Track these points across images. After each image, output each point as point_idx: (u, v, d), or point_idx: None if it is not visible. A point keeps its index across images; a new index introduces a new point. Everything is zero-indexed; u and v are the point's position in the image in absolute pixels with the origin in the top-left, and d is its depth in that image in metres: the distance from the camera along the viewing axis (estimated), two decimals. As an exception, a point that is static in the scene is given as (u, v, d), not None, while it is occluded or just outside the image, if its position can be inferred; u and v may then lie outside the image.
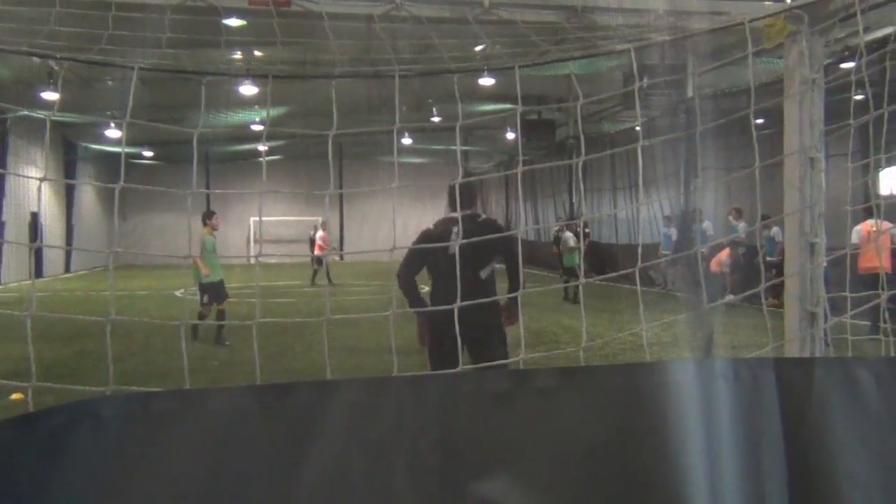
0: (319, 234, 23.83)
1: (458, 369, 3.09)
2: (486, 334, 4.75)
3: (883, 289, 3.25)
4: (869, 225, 9.58)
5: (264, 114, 21.23)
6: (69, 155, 29.79)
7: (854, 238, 9.04)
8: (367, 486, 1.78)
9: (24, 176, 26.79)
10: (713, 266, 15.95)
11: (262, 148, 27.22)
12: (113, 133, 25.31)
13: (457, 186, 4.63)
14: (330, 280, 22.08)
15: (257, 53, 9.82)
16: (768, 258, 14.23)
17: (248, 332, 2.81)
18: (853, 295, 3.39)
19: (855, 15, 3.41)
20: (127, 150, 26.72)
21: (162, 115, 20.00)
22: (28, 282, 23.09)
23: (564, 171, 28.18)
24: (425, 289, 5.05)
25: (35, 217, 24.94)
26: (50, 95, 16.99)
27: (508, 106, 19.92)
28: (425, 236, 5.11)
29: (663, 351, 9.02)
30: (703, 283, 3.12)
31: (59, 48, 3.69)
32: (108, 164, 32.12)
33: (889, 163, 3.64)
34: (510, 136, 27.78)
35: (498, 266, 4.92)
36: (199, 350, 10.40)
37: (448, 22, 3.61)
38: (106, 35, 3.60)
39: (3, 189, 23.09)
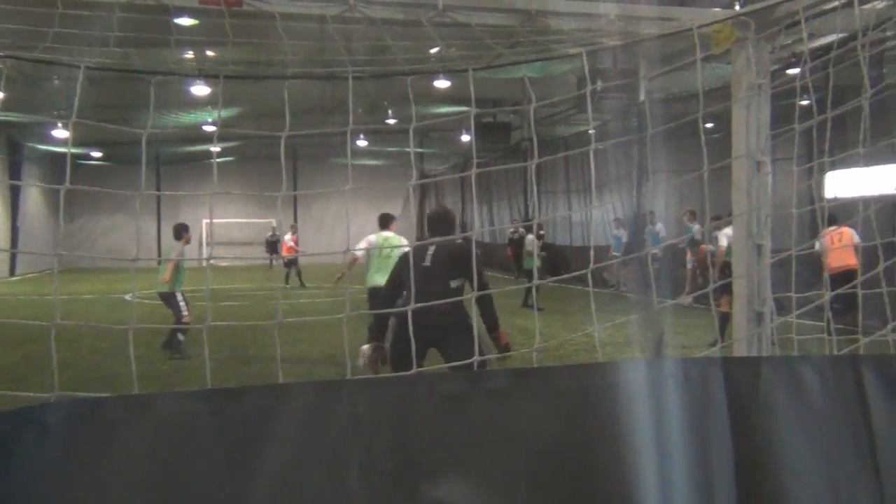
0: (288, 236, 23.87)
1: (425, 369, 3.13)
2: (453, 333, 5.04)
3: (827, 288, 3.34)
4: (830, 232, 9.84)
5: (216, 114, 20.97)
6: (14, 155, 29.04)
7: (817, 247, 9.26)
8: (320, 490, 1.77)
9: (-35, 177, 26.01)
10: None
11: (213, 149, 26.88)
12: (60, 133, 24.74)
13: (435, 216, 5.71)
14: (301, 282, 22.06)
15: (209, 53, 9.68)
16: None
17: (200, 336, 2.77)
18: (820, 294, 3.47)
19: (800, 22, 3.50)
20: (74, 150, 26.14)
21: (111, 115, 19.58)
22: (-30, 286, 22.41)
23: (520, 174, 28.37)
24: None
25: (-22, 219, 24.21)
26: (-7, 94, 16.52)
27: (463, 108, 19.99)
28: (405, 257, 5.74)
29: (616, 351, 9.14)
30: (653, 284, 3.17)
31: (2, 45, 3.59)
32: (55, 165, 31.34)
33: (833, 166, 3.74)
34: (465, 138, 27.87)
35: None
36: (149, 355, 10.21)
37: (402, 24, 3.61)
38: (52, 32, 3.52)
39: (-56, 190, 22.38)
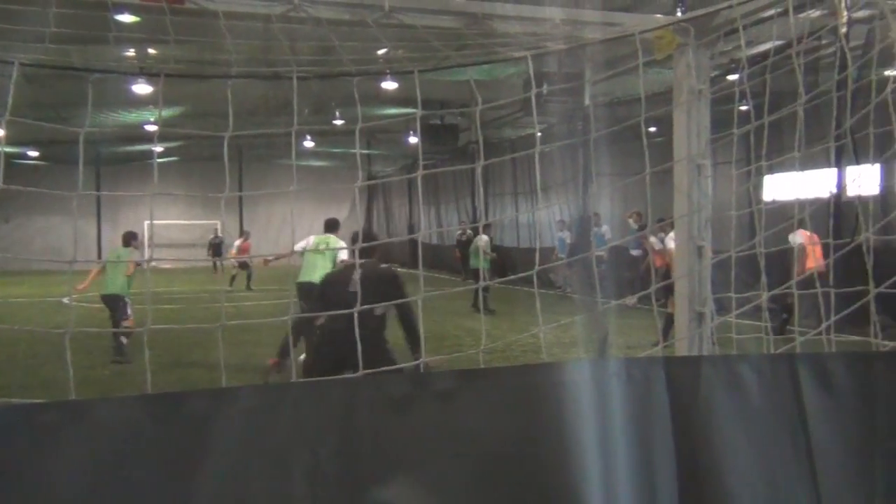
0: (238, 242, 24.02)
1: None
2: (370, 359, 5.18)
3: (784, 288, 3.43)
4: (806, 232, 10.09)
5: (158, 113, 20.55)
6: (-56, 154, 27.98)
7: (798, 240, 9.48)
8: (265, 496, 1.74)
9: None
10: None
11: (155, 149, 26.34)
12: (-6, 131, 23.92)
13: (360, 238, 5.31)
14: (248, 286, 21.93)
15: (151, 51, 9.48)
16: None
17: (141, 341, 2.70)
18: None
19: (738, 30, 3.59)
20: (9, 149, 25.29)
21: (48, 113, 19.04)
22: None
23: (467, 176, 28.46)
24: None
25: None
26: (-79, 90, 15.90)
27: (411, 110, 19.97)
28: (328, 279, 5.85)
29: (562, 352, 9.24)
30: (598, 285, 3.21)
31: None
32: (-11, 164, 30.30)
33: (770, 170, 3.85)
34: (413, 140, 27.85)
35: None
36: (88, 360, 9.95)
37: (348, 24, 3.59)
38: (-17, 28, 3.41)
39: None
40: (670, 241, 10.99)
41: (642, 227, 14.01)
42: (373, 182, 36.11)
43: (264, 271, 21.73)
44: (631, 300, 7.95)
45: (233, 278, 22.74)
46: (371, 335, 5.16)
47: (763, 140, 3.45)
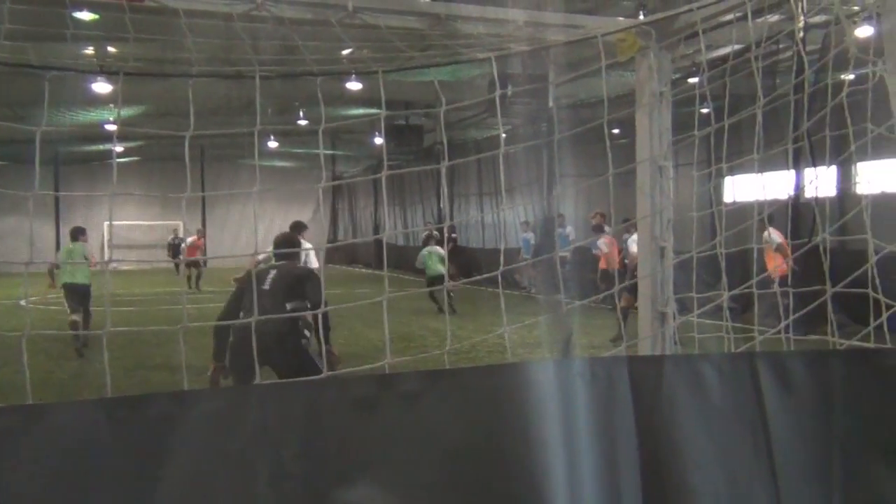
0: (191, 239, 23.52)
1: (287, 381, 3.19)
2: (285, 352, 5.42)
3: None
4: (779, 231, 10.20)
5: (117, 113, 20.23)
6: None
7: (777, 238, 9.57)
8: (228, 499, 1.72)
9: None
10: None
11: (115, 149, 25.92)
12: (-54, 130, 23.36)
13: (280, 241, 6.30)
14: (197, 286, 21.61)
15: (111, 49, 9.34)
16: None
17: (100, 343, 2.66)
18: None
19: (698, 33, 3.64)
20: (-37, 148, 24.72)
21: (4, 112, 18.64)
22: None
23: (432, 176, 28.47)
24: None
25: None
26: None
27: (375, 111, 19.92)
28: (242, 281, 6.10)
29: (527, 352, 9.29)
30: (561, 285, 3.23)
31: None
32: (-59, 164, 29.59)
33: (730, 172, 3.90)
34: (378, 140, 27.77)
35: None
36: (45, 363, 9.76)
37: (311, 24, 3.56)
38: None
39: None
40: (633, 244, 11.09)
41: (597, 228, 14.13)
42: (337, 182, 35.93)
43: (215, 272, 21.53)
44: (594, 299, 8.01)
45: (189, 278, 22.43)
46: (284, 330, 5.48)
47: (723, 142, 3.50)
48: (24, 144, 25.91)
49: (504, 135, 18.81)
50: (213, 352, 5.76)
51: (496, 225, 25.02)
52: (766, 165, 3.46)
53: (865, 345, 2.57)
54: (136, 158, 30.85)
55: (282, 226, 9.11)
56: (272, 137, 26.75)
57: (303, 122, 22.98)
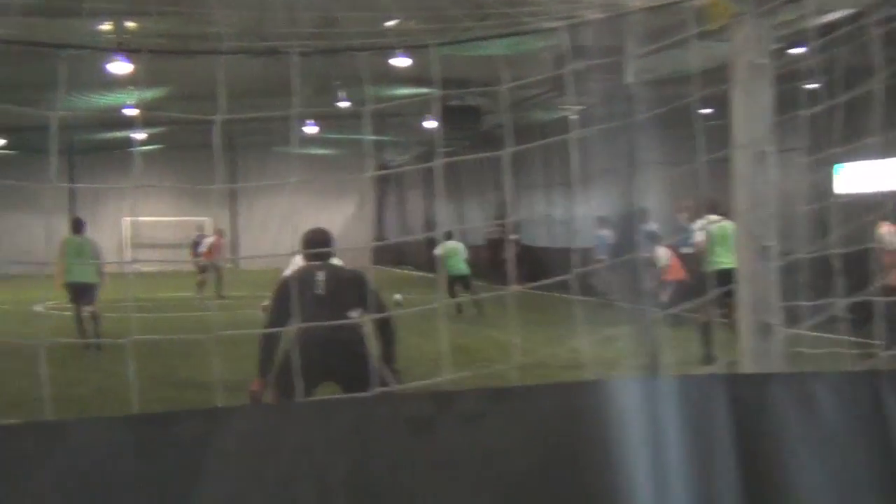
0: (209, 240, 23.58)
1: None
2: (350, 365, 5.32)
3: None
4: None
5: (139, 95, 20.70)
6: None
7: (884, 237, 9.35)
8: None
9: None
10: None
11: (137, 136, 26.55)
12: (-46, 117, 24.24)
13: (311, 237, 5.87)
14: (219, 292, 21.74)
15: (129, 24, 9.57)
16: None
17: (121, 352, 2.72)
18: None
19: (805, -5, 3.57)
20: (-29, 137, 25.64)
21: (15, 96, 19.23)
22: None
23: (492, 165, 28.44)
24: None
25: None
26: None
27: (426, 90, 19.99)
28: (285, 284, 5.80)
29: (606, 368, 9.20)
30: (647, 291, 3.20)
31: None
32: (-51, 155, 30.71)
33: (843, 158, 3.82)
34: (430, 124, 27.86)
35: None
36: (65, 375, 10.04)
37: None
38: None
39: None
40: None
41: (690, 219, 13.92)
42: (384, 172, 36.16)
43: (245, 274, 21.71)
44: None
45: (200, 285, 22.25)
46: (349, 342, 5.35)
47: (834, 123, 3.43)
48: (35, 132, 26.73)
49: (574, 116, 18.67)
50: (258, 366, 5.69)
51: (566, 221, 24.85)
52: (886, 151, 3.37)
53: None
54: (158, 146, 31.50)
55: (322, 222, 9.20)
56: (310, 122, 27.06)
57: (344, 104, 23.17)
